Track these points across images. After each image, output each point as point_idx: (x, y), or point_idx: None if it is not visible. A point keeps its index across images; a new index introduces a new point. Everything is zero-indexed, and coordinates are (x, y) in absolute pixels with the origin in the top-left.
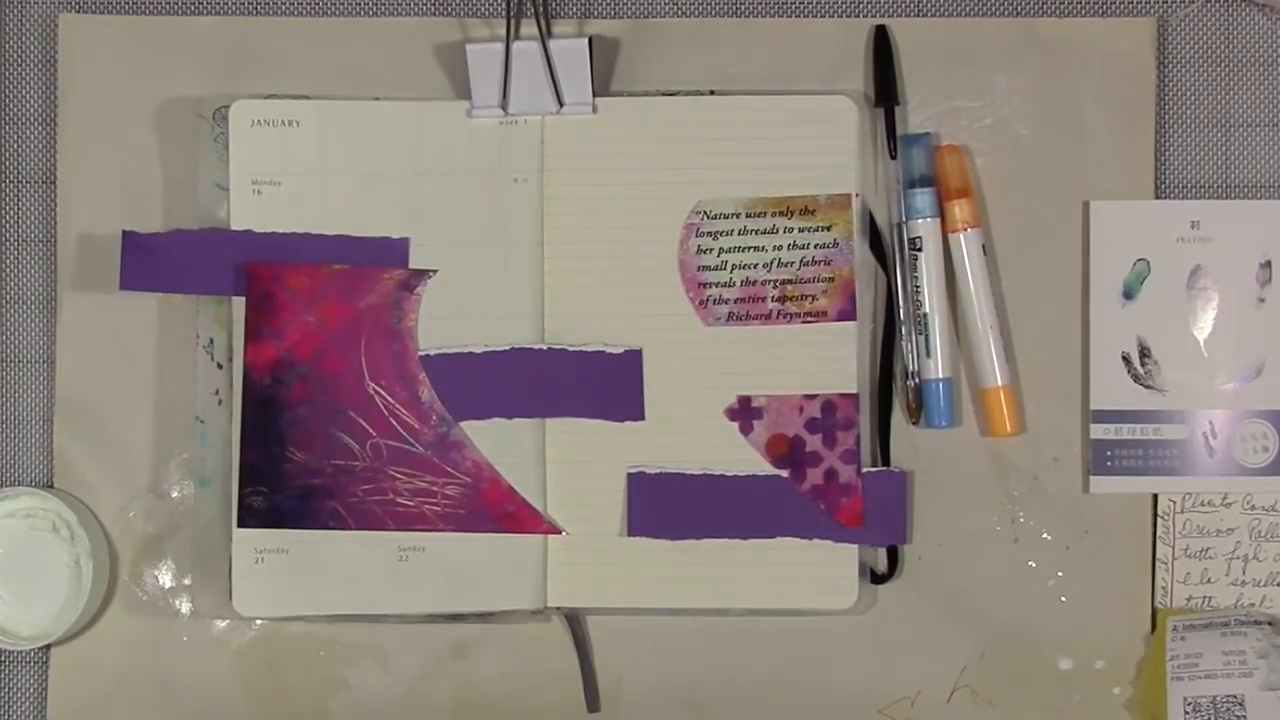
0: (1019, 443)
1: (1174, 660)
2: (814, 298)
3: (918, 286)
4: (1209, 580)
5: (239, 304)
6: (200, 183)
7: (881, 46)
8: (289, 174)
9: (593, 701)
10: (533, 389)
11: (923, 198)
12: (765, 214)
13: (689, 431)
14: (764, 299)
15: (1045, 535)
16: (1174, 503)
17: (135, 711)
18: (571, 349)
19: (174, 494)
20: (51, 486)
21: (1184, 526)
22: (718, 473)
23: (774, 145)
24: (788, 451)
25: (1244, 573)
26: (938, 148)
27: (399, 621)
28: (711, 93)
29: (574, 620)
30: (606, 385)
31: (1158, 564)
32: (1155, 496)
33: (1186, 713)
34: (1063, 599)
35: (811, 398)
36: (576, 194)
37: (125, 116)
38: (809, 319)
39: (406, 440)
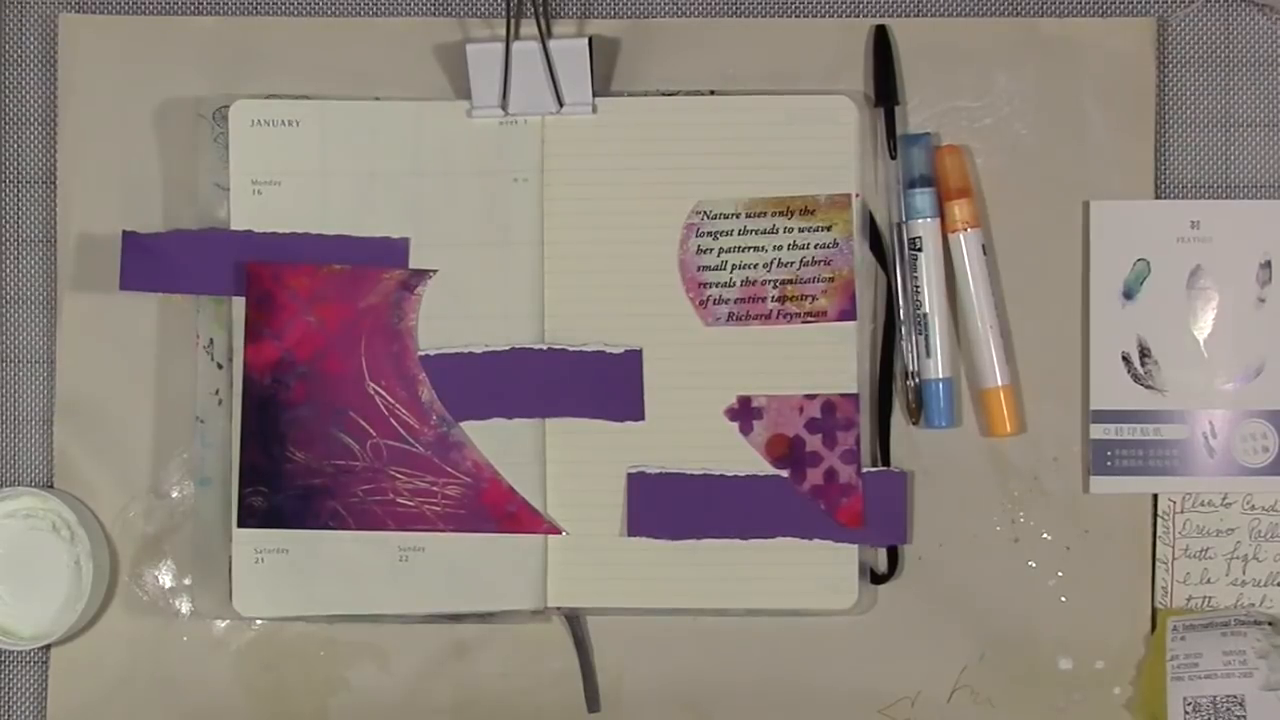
0: (1019, 443)
1: (1174, 660)
2: (814, 298)
3: (918, 286)
4: (1209, 580)
5: (239, 304)
6: (200, 183)
7: (881, 46)
8: (289, 174)
9: (593, 701)
10: (533, 389)
11: (923, 198)
12: (765, 214)
13: (689, 431)
14: (764, 299)
15: (1045, 535)
16: (1174, 503)
17: (135, 711)
18: (571, 349)
19: (174, 494)
20: (51, 486)
21: (1184, 526)
22: (718, 473)
23: (774, 145)
24: (788, 451)
25: (1244, 573)
26: (938, 148)
27: (399, 621)
28: (711, 93)
29: (574, 620)
30: (606, 385)
31: (1158, 564)
32: (1155, 496)
33: (1186, 713)
34: (1063, 599)
35: (811, 398)
36: (576, 194)
37: (125, 116)
38: (809, 319)
39: (407, 440)
